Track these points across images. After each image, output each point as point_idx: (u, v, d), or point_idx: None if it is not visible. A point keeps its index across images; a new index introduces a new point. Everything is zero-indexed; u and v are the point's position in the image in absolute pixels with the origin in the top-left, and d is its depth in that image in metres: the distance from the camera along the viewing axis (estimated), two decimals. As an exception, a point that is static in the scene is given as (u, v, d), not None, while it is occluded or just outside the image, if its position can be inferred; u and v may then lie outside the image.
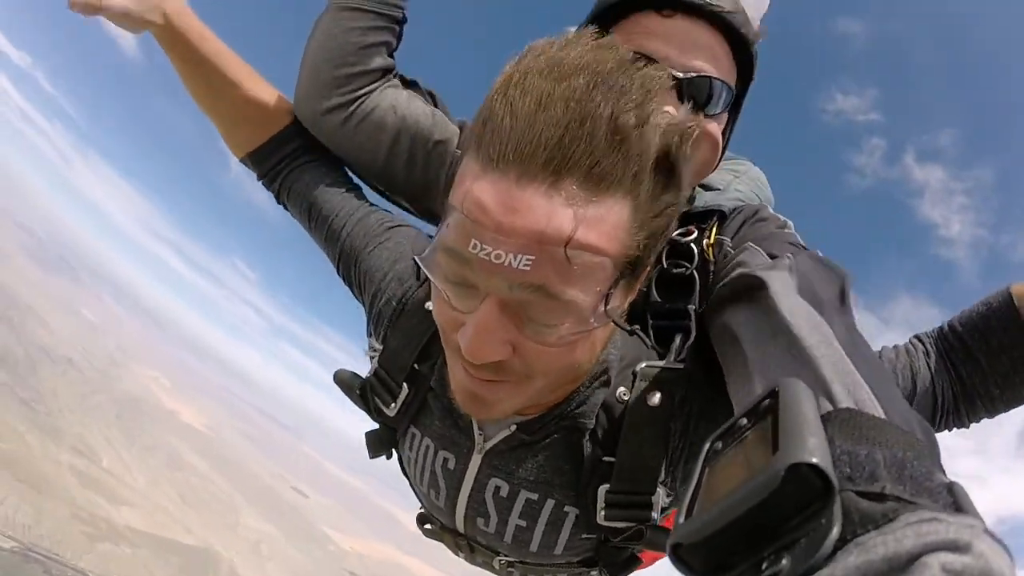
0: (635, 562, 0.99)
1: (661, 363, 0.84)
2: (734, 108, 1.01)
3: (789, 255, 0.77)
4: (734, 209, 1.01)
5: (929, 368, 0.90)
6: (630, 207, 0.61)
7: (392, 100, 1.09)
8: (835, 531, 0.33)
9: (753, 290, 0.74)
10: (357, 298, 1.07)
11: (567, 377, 0.76)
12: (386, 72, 1.11)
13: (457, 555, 1.11)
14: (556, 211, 0.57)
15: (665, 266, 0.94)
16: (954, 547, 0.29)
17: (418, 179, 1.11)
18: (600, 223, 0.59)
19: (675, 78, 0.85)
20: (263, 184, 1.19)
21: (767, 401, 0.44)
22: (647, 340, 0.90)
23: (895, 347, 0.95)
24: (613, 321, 0.66)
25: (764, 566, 0.35)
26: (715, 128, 0.95)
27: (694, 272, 0.92)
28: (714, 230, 0.97)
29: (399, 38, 1.13)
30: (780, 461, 0.35)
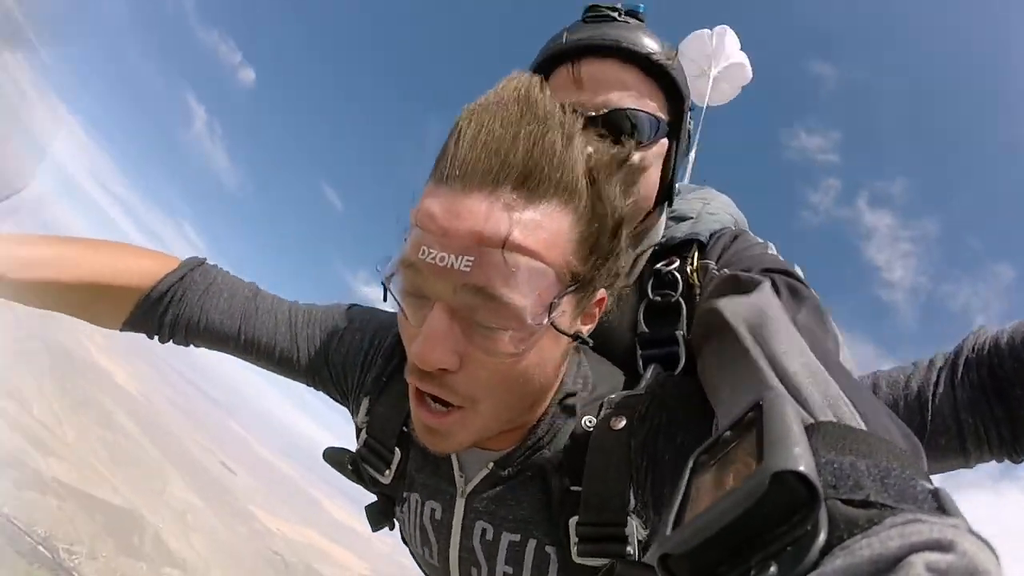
0: None
1: (629, 392, 0.83)
2: (674, 133, 0.99)
3: (769, 277, 0.76)
4: (713, 234, 1.01)
5: (954, 396, 0.69)
6: (569, 219, 0.65)
7: None
8: (822, 537, 0.34)
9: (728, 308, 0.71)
10: (338, 399, 1.03)
11: (517, 398, 0.74)
12: None
13: None
14: (494, 214, 0.62)
15: (652, 297, 0.95)
16: (938, 546, 0.30)
17: None
18: (537, 229, 0.63)
19: (590, 117, 0.82)
20: (159, 339, 1.00)
21: (751, 414, 0.45)
22: (623, 371, 0.89)
23: (914, 364, 0.75)
24: (557, 329, 0.67)
25: (752, 574, 0.35)
26: (646, 155, 0.94)
27: (680, 299, 0.94)
28: (695, 257, 0.98)
29: None
30: (765, 469, 0.36)
